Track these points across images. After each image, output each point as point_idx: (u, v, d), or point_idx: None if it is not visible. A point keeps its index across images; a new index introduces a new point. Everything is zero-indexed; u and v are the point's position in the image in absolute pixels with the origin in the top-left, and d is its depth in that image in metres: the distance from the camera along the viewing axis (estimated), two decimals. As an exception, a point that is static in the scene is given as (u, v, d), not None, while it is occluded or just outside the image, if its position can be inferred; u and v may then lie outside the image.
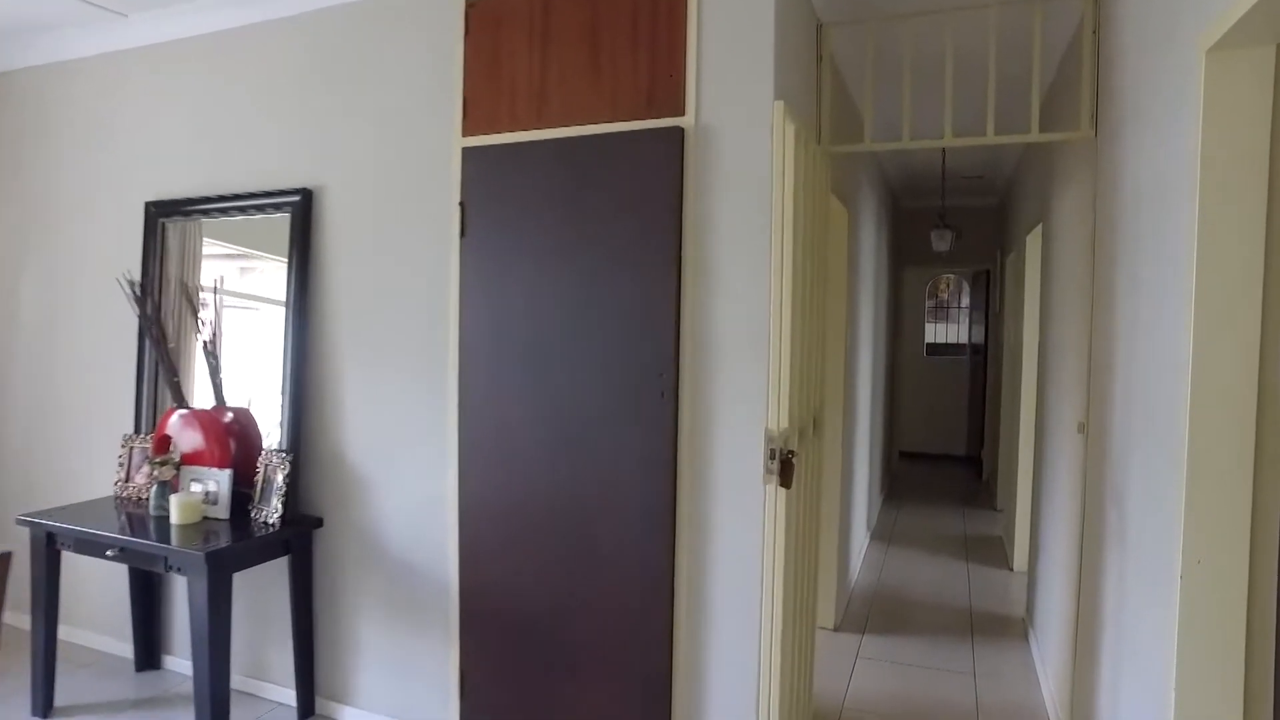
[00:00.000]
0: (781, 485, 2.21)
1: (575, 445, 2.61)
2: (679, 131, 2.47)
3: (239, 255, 3.44)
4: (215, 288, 3.38)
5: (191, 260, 3.47)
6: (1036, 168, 4.70)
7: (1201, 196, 1.52)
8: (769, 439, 2.17)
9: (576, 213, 2.60)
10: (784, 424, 2.33)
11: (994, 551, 5.60)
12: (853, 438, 4.81)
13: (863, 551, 5.41)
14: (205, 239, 3.43)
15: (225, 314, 3.38)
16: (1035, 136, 2.82)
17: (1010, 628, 4.22)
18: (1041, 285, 4.31)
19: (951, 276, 9.78)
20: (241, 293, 3.41)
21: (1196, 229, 1.53)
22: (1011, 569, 5.16)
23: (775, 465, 2.18)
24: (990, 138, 2.84)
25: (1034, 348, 4.88)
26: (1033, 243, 4.83)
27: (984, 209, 7.89)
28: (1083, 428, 2.76)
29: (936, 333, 9.88)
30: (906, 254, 8.11)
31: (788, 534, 2.37)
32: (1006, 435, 6.50)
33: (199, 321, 3.40)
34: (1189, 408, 1.56)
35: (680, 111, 2.49)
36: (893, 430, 8.24)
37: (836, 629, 4.13)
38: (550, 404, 2.65)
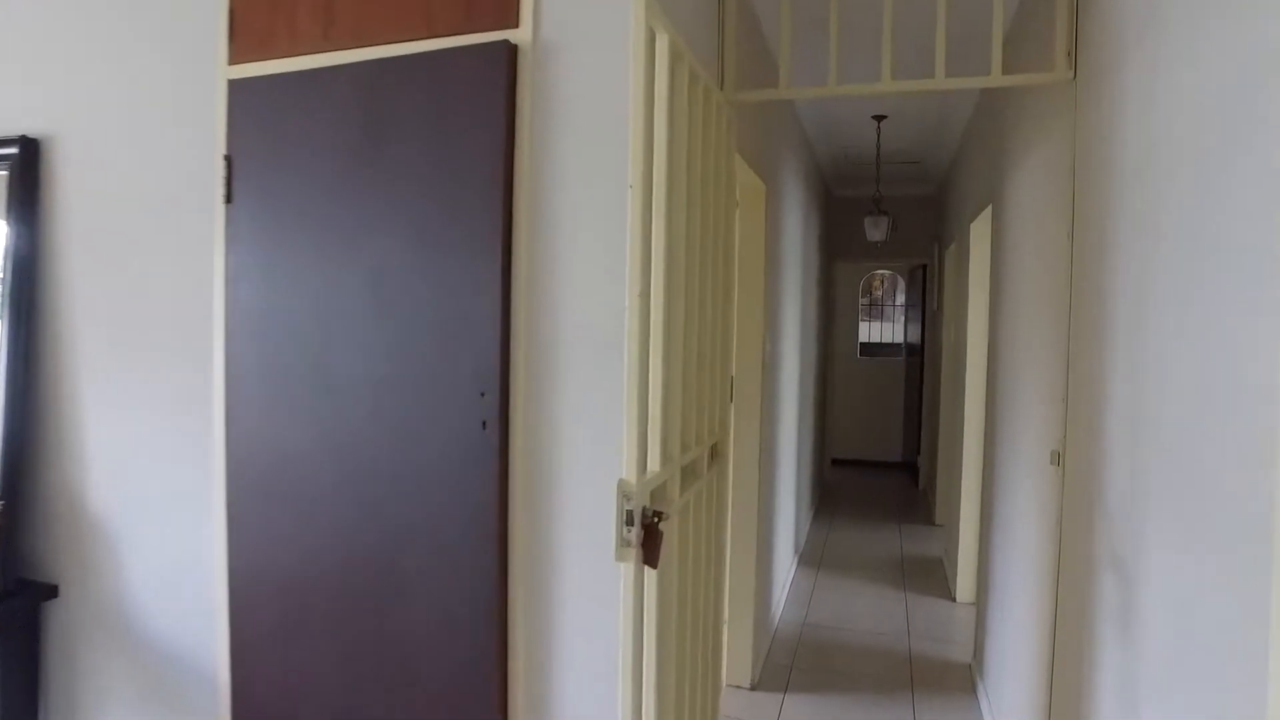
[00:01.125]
0: (646, 563, 1.50)
1: (373, 494, 1.86)
2: (508, 49, 1.73)
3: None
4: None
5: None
6: (985, 142, 4.09)
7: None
8: (624, 495, 1.46)
9: (376, 170, 1.85)
10: (654, 466, 1.63)
11: (934, 577, 5.02)
12: (775, 453, 4.14)
13: (788, 582, 4.76)
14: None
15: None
16: (997, 79, 2.16)
17: (954, 677, 3.60)
18: (991, 277, 3.70)
19: (886, 273, 9.25)
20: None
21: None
22: (954, 599, 4.57)
23: (635, 535, 1.47)
24: (939, 81, 2.18)
25: (979, 348, 4.29)
26: (979, 230, 4.23)
27: (921, 199, 7.36)
28: (1058, 459, 2.11)
29: (871, 331, 9.35)
30: (839, 246, 7.53)
31: (662, 623, 1.66)
32: (945, 443, 5.95)
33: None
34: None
35: (512, 21, 1.76)
36: (824, 436, 7.65)
37: (754, 687, 3.45)
38: (343, 438, 1.89)
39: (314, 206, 1.91)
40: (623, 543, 1.46)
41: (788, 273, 4.39)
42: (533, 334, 1.75)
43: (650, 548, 1.50)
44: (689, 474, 2.00)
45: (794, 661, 3.73)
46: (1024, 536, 2.64)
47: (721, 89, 2.40)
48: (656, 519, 1.49)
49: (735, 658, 3.45)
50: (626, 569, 1.49)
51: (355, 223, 1.86)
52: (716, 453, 2.33)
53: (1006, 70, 2.20)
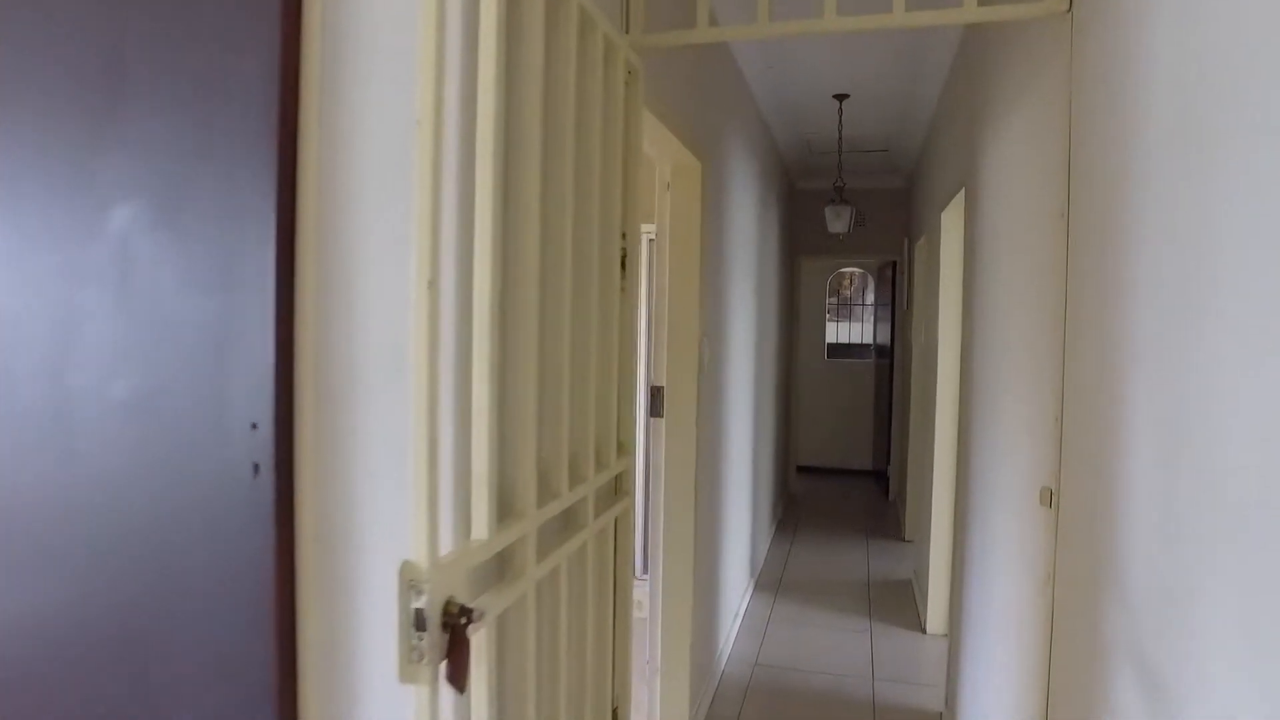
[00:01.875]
0: (451, 683, 1.00)
1: (118, 555, 1.34)
2: (286, -64, 1.22)
3: None
4: None
5: None
6: (957, 118, 3.64)
7: None
8: (410, 585, 0.95)
9: (122, 116, 1.33)
10: (480, 533, 1.13)
11: (903, 603, 4.56)
12: (721, 472, 3.66)
13: (741, 611, 4.28)
14: None
15: None
16: (973, 12, 1.69)
17: (924, 730, 3.14)
18: (965, 271, 3.24)
19: (856, 271, 8.82)
20: None
21: None
22: (924, 630, 4.11)
23: (431, 644, 0.97)
24: (899, 17, 1.70)
25: (952, 351, 3.84)
26: (950, 219, 3.77)
27: (891, 192, 6.91)
28: (1050, 499, 1.64)
29: (839, 332, 8.91)
30: (804, 242, 7.06)
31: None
32: (916, 452, 5.51)
33: None
34: None
35: (294, -100, 1.25)
36: (788, 444, 7.19)
37: (692, 749, 2.97)
38: (82, 476, 1.37)
39: (43, 161, 1.38)
40: (409, 656, 0.96)
41: (738, 267, 3.91)
42: (325, 346, 1.24)
43: (457, 663, 1.00)
44: (567, 524, 1.52)
45: (740, 713, 3.25)
46: (1004, 587, 2.17)
47: (626, 32, 1.91)
48: (465, 621, 0.99)
49: (670, 711, 2.96)
50: (420, 695, 0.98)
51: (98, 186, 1.35)
52: (619, 487, 1.84)
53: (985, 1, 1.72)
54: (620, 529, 1.85)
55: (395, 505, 1.22)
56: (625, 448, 1.82)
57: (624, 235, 1.81)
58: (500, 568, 1.27)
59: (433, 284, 0.96)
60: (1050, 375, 1.69)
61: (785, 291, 6.61)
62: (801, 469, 8.00)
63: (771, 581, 4.86)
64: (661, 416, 2.79)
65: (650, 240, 3.00)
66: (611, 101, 1.66)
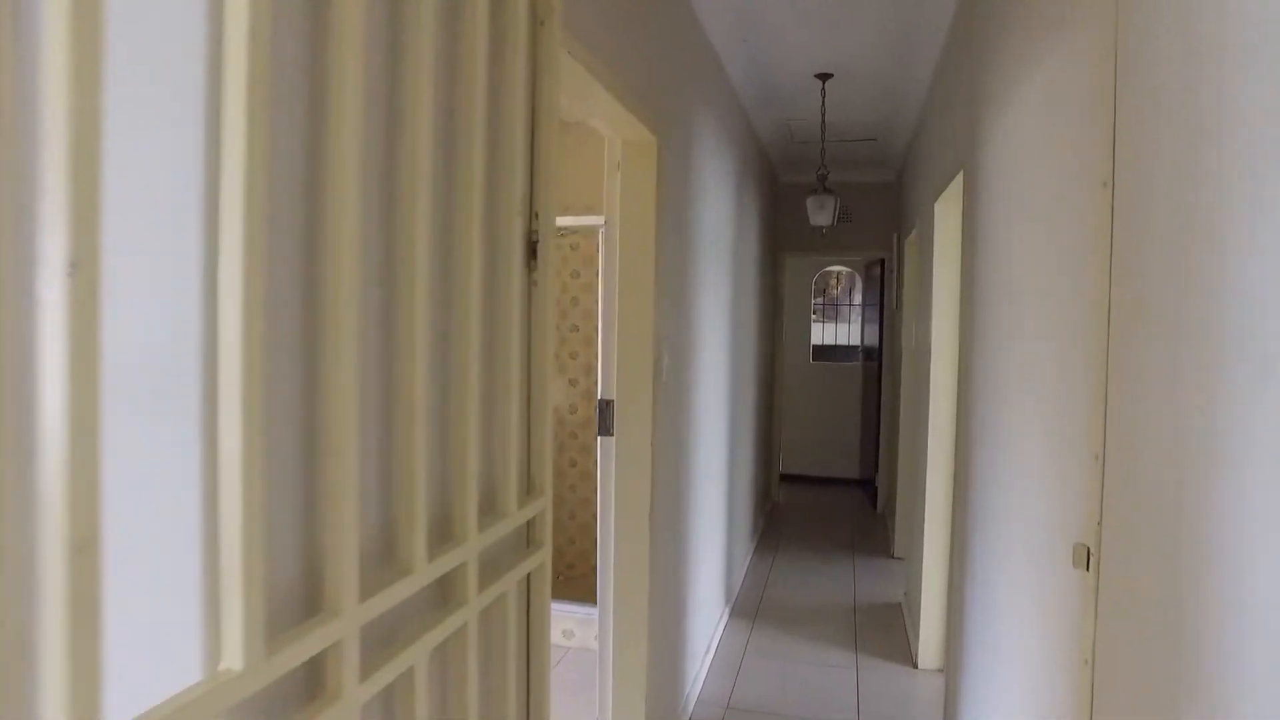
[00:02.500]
0: None
1: None
2: None
3: None
4: None
5: None
6: (954, 95, 3.25)
7: None
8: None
9: None
10: (232, 661, 0.72)
11: (893, 631, 4.17)
12: (688, 494, 3.26)
13: (714, 644, 3.88)
14: None
15: None
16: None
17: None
18: (963, 263, 2.85)
19: (843, 270, 8.45)
20: None
21: None
22: (916, 665, 3.72)
23: None
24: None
25: (946, 354, 3.45)
26: (945, 208, 3.39)
27: (878, 186, 6.52)
28: (1085, 560, 1.24)
29: (825, 333, 8.54)
30: (788, 239, 6.67)
31: None
32: (906, 462, 5.13)
33: None
34: None
35: None
36: (772, 452, 6.80)
37: (649, 818, 2.56)
38: None
39: None
40: None
41: (709, 263, 3.52)
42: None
43: None
44: (444, 599, 1.12)
45: (708, 771, 2.85)
46: (1019, 649, 1.78)
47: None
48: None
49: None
50: None
51: None
52: (531, 537, 1.44)
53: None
54: (534, 589, 1.45)
55: (114, 597, 0.81)
56: (536, 488, 1.42)
57: (535, 215, 1.41)
58: (309, 687, 0.86)
59: (80, 267, 0.55)
60: (1085, 394, 1.29)
61: (767, 291, 6.22)
62: (786, 477, 7.61)
63: (750, 606, 4.46)
64: (611, 434, 2.39)
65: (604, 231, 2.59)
66: (508, 44, 1.25)
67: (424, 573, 1.02)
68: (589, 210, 3.69)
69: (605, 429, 2.38)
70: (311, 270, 0.85)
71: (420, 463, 1.01)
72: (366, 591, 0.90)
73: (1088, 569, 1.24)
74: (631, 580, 2.52)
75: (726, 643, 3.94)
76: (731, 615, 4.31)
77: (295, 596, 0.85)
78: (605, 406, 2.38)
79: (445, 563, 1.07)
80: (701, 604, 3.54)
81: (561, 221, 4.05)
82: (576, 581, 4.34)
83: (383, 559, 1.00)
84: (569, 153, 4.79)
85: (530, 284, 1.40)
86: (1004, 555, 1.96)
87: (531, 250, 1.40)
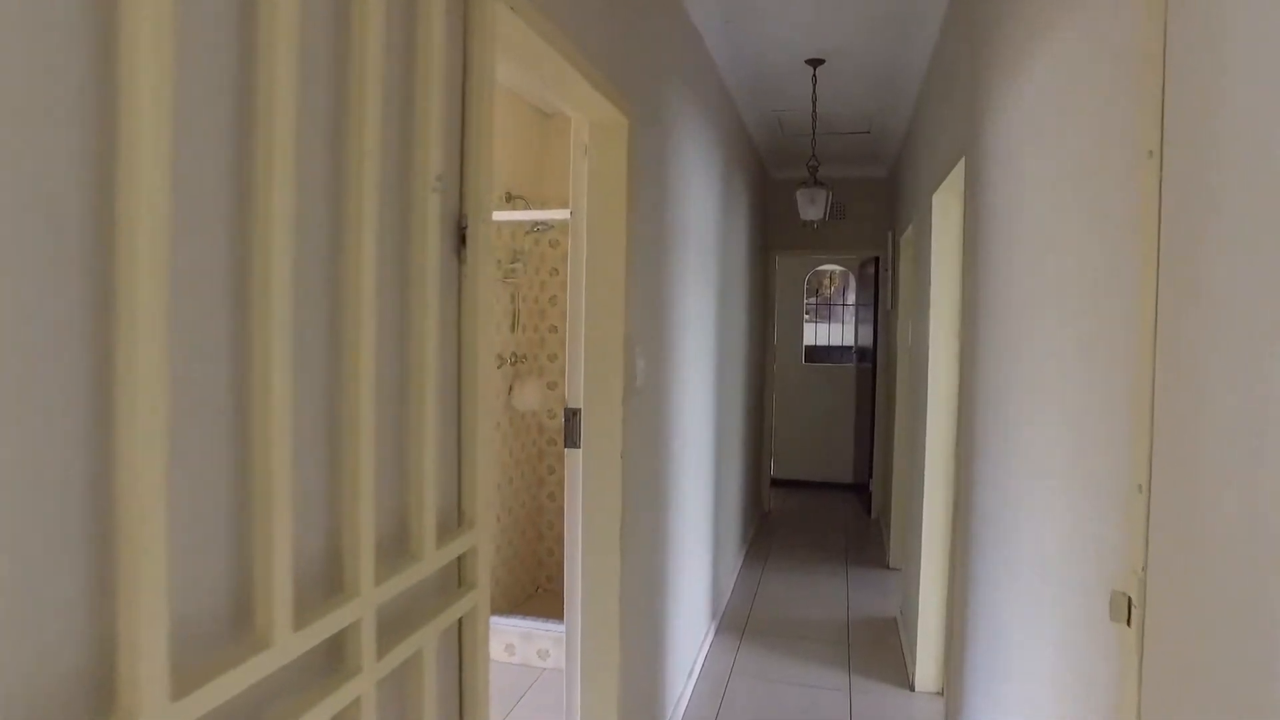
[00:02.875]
0: None
1: None
2: None
3: None
4: None
5: None
6: (954, 80, 3.03)
7: None
8: None
9: None
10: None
11: (888, 649, 3.95)
12: (670, 508, 3.04)
13: (698, 665, 3.66)
14: None
15: None
16: None
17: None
18: (965, 257, 2.63)
19: (836, 269, 8.23)
20: None
21: None
22: (912, 687, 3.50)
23: None
24: None
25: (945, 355, 3.23)
26: (944, 199, 3.17)
27: (872, 182, 6.30)
28: (1128, 613, 1.02)
29: (818, 334, 8.32)
30: (779, 237, 6.45)
31: None
32: (902, 467, 4.92)
33: None
34: None
35: None
36: (762, 457, 6.58)
37: None
38: None
39: None
40: None
41: (691, 260, 3.29)
42: None
43: None
44: (326, 665, 0.89)
45: (689, 810, 2.62)
46: (1039, 698, 1.56)
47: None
48: None
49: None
50: None
51: None
52: (462, 578, 1.21)
53: None
54: (466, 638, 1.22)
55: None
56: (468, 519, 1.19)
57: (463, 197, 1.19)
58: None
59: None
60: (1123, 407, 1.07)
61: (758, 290, 6.00)
62: (778, 483, 7.39)
63: (738, 620, 4.23)
64: (578, 447, 2.16)
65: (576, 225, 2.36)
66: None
67: (288, 645, 0.79)
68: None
69: (571, 440, 2.15)
70: (108, 239, 0.62)
71: (284, 497, 0.78)
72: (193, 681, 0.67)
73: (1128, 623, 1.01)
74: (602, 599, 2.29)
75: (712, 662, 3.71)
76: (718, 630, 4.09)
77: (98, 694, 0.62)
78: (572, 416, 2.15)
79: (323, 627, 0.84)
80: (684, 621, 3.32)
81: (539, 216, 3.82)
82: (556, 595, 4.11)
83: (236, 629, 0.77)
84: (548, 144, 4.57)
85: (460, 276, 1.18)
86: (1016, 592, 1.73)
87: (460, 237, 1.18)
